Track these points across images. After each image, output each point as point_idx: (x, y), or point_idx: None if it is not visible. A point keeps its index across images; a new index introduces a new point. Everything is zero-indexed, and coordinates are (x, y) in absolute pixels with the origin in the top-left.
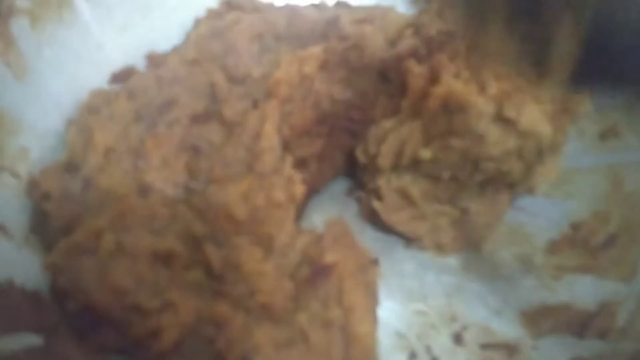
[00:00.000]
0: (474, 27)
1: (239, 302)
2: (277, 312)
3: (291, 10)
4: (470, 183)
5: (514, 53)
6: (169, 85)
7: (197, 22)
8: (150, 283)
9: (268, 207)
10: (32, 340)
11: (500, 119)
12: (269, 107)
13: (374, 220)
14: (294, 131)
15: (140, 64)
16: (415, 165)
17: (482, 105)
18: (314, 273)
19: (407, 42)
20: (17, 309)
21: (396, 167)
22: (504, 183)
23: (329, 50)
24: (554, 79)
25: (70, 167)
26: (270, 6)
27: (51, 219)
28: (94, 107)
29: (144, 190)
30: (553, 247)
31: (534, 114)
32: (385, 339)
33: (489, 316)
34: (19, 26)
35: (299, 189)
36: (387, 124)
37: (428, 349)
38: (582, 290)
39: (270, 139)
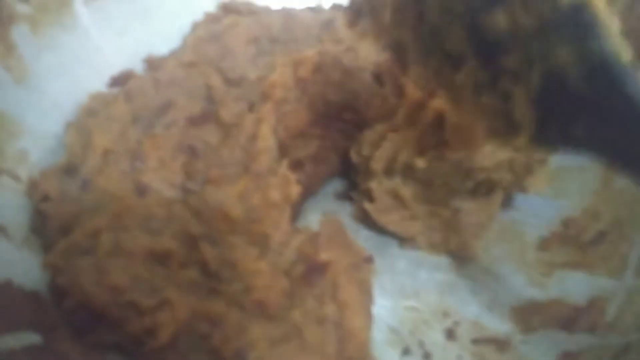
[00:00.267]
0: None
1: (234, 299)
2: (272, 309)
3: (287, 13)
4: (461, 188)
5: (483, 118)
6: (166, 87)
7: (195, 26)
8: (146, 281)
9: (264, 206)
10: (31, 338)
11: None
12: (264, 109)
13: (367, 220)
14: (289, 133)
15: (138, 67)
16: (408, 170)
17: None
18: (309, 270)
19: None
20: (17, 308)
21: (388, 171)
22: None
23: (324, 53)
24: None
25: (69, 168)
26: (267, 9)
27: (50, 220)
28: (92, 110)
29: (141, 190)
30: (544, 244)
31: None
32: (378, 334)
33: (481, 312)
34: (20, 31)
35: (295, 189)
36: (382, 128)
37: (421, 344)
38: (572, 286)
39: (267, 140)
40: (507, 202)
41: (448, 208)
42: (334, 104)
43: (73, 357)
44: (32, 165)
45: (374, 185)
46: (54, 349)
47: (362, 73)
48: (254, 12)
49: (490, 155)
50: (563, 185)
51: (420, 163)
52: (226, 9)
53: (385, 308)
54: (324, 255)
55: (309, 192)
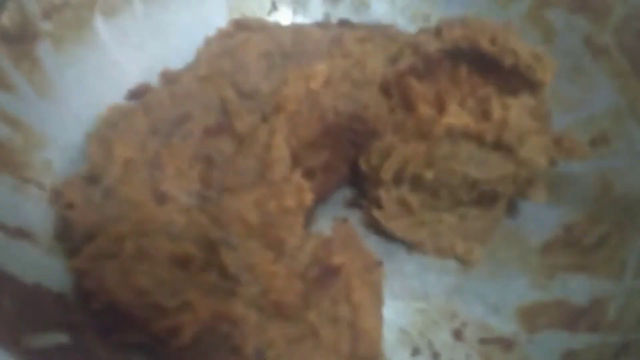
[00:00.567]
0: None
1: (252, 301)
2: (288, 310)
3: (297, 29)
4: (466, 197)
5: None
6: (182, 100)
7: (208, 41)
8: (169, 284)
9: (279, 213)
10: (60, 338)
11: (502, 146)
12: (277, 120)
13: (376, 227)
14: (301, 143)
15: (154, 81)
16: (416, 180)
17: (486, 134)
18: (323, 273)
19: (407, 60)
20: (47, 309)
21: (397, 180)
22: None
23: (333, 66)
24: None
25: (92, 177)
26: (277, 25)
27: (75, 227)
28: (112, 122)
29: (161, 198)
30: (546, 248)
31: (534, 145)
32: (389, 335)
33: (487, 313)
34: (43, 47)
35: (308, 196)
36: (391, 139)
37: (430, 344)
38: (575, 288)
39: (280, 150)
40: (510, 209)
41: (454, 215)
42: (343, 115)
43: (100, 356)
44: (56, 174)
45: (382, 193)
46: (82, 348)
47: (370, 85)
48: (265, 27)
49: (497, 168)
50: (565, 192)
51: (429, 175)
52: (238, 25)
53: (395, 310)
54: (337, 259)
55: (319, 199)
